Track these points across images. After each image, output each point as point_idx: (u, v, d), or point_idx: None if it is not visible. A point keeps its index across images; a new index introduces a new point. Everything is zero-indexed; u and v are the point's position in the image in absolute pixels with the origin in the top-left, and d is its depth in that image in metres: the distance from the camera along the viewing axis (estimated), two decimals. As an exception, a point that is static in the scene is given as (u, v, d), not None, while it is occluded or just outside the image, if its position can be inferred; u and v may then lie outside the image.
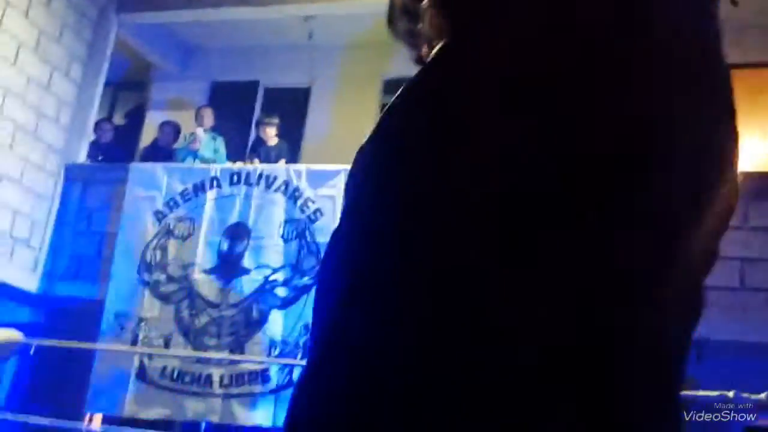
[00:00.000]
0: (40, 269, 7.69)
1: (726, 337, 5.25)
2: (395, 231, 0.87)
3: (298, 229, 7.05)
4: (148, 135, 9.00)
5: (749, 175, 6.09)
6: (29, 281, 7.53)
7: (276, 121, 8.10)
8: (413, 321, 0.83)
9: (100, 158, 8.41)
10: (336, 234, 0.93)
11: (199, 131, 8.13)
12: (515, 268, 0.83)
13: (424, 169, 0.88)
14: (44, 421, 6.31)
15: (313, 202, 7.09)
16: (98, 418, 7.34)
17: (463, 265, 0.83)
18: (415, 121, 0.91)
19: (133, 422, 6.76)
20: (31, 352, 6.79)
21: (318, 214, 7.05)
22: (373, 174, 0.95)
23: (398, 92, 0.94)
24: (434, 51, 0.95)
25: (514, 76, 0.87)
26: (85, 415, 7.26)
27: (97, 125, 8.51)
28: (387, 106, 0.94)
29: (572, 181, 0.85)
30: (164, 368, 6.94)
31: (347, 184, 0.97)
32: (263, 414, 6.60)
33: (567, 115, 0.86)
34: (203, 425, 7.06)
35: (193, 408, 6.75)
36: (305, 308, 6.73)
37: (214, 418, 6.72)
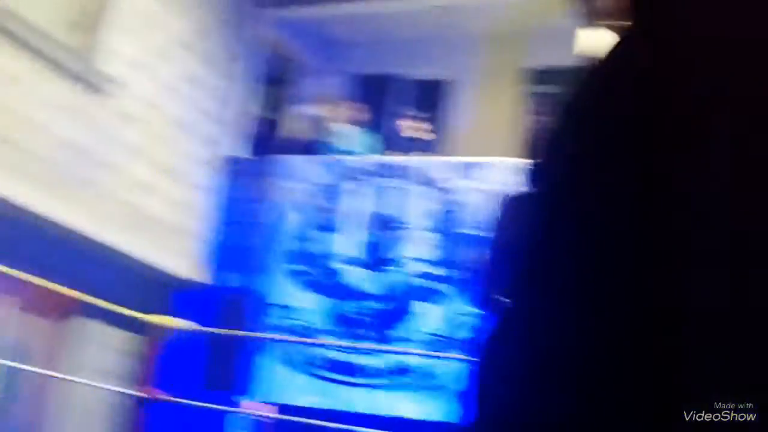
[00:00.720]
0: (205, 261, 8.02)
1: None
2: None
3: (442, 221, 7.09)
4: (294, 128, 9.24)
5: None
6: (194, 272, 7.86)
7: (418, 114, 8.16)
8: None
9: (254, 152, 8.70)
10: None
11: (342, 125, 8.30)
12: None
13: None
14: (208, 406, 6.62)
15: (458, 194, 7.11)
16: (263, 405, 7.62)
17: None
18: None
19: (289, 409, 6.98)
20: (199, 341, 7.15)
21: (462, 205, 7.06)
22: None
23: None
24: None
25: None
26: (248, 402, 7.56)
27: (250, 119, 8.80)
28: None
29: None
30: (315, 357, 7.14)
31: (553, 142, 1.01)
32: (412, 406, 6.68)
33: None
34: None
35: (343, 397, 6.91)
36: (451, 300, 6.77)
37: (363, 408, 6.85)
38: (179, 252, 7.78)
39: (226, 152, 8.38)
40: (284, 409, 7.02)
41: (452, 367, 6.59)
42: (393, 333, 6.96)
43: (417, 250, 7.10)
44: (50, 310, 7.04)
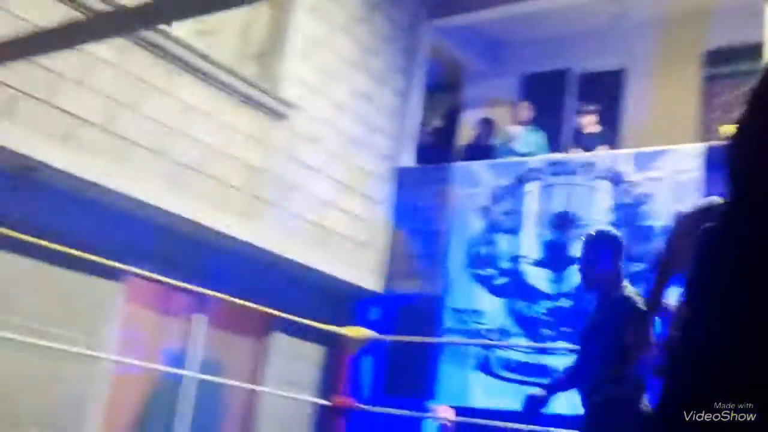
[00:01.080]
0: (383, 270, 8.18)
1: None
2: None
3: (626, 215, 6.88)
4: (465, 134, 9.26)
5: None
6: (374, 281, 8.05)
7: (594, 107, 7.98)
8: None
9: (423, 161, 8.79)
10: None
11: (516, 127, 8.24)
12: None
13: None
14: (398, 412, 6.73)
15: (640, 186, 6.88)
16: (447, 409, 7.67)
17: None
18: None
19: (480, 413, 6.98)
20: (383, 348, 7.30)
21: (646, 197, 6.83)
22: None
23: None
24: None
25: None
26: (435, 407, 7.63)
27: (419, 129, 8.90)
28: None
29: None
30: (505, 360, 7.11)
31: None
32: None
33: None
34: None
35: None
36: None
37: (560, 410, 6.73)
38: (362, 264, 7.98)
39: (401, 163, 8.51)
40: (471, 411, 7.01)
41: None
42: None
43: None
44: (247, 328, 7.38)
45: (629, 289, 4.16)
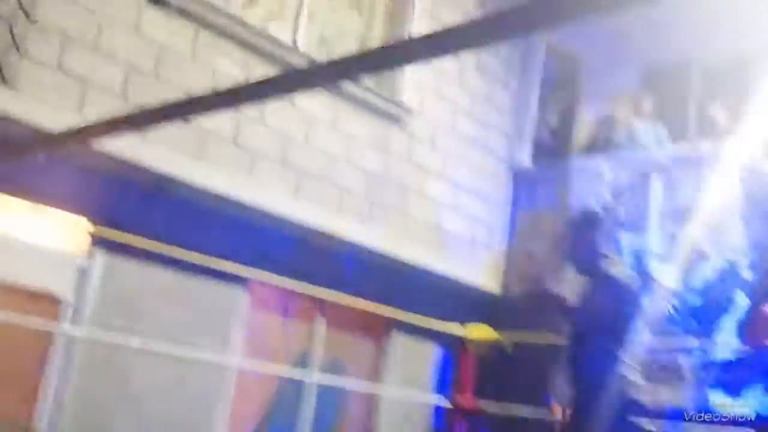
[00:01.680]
0: (501, 270, 8.12)
1: None
2: None
3: (758, 208, 6.59)
4: (583, 131, 9.06)
5: None
6: (492, 282, 7.99)
7: (722, 100, 7.69)
8: None
9: (540, 159, 8.66)
10: None
11: (637, 120, 8.02)
12: None
13: None
14: (520, 411, 6.66)
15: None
16: (559, 408, 7.54)
17: None
18: None
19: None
20: (508, 349, 7.22)
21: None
22: None
23: None
24: None
25: None
26: (555, 406, 7.51)
27: (535, 128, 8.79)
28: None
29: None
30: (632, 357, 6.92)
31: None
32: (743, 402, 6.27)
33: None
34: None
35: (667, 396, 6.62)
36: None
37: (690, 406, 6.53)
38: (480, 264, 7.94)
39: (518, 163, 8.42)
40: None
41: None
42: (713, 328, 6.57)
43: (731, 240, 6.65)
44: (367, 329, 7.43)
45: (618, 268, 3.99)
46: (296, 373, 6.85)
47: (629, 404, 4.08)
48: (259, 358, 6.58)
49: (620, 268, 4.10)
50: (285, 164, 6.49)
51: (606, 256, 4.09)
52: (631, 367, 4.02)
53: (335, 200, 6.85)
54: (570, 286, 7.46)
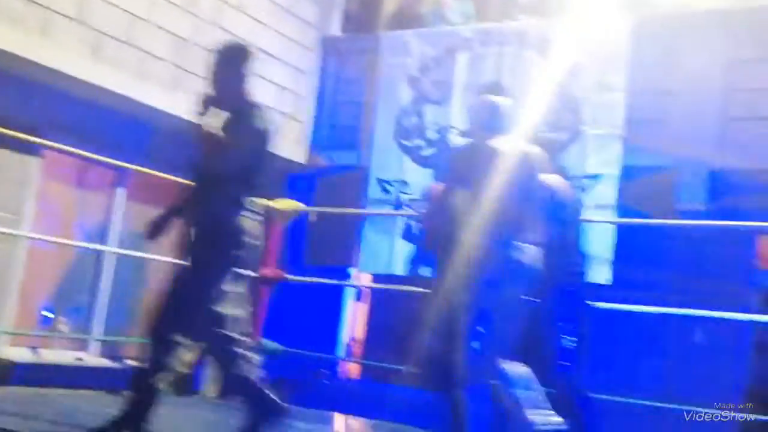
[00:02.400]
0: (307, 141, 8.10)
1: None
2: None
3: (554, 84, 6.87)
4: (392, 1, 9.00)
5: None
6: (298, 153, 7.96)
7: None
8: None
9: (350, 29, 8.57)
10: None
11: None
12: None
13: None
14: (322, 281, 6.84)
15: (570, 57, 6.85)
16: (366, 276, 7.82)
17: None
18: None
19: (400, 279, 7.14)
20: (310, 218, 7.30)
21: (575, 68, 6.82)
22: None
23: None
24: None
25: None
26: (356, 274, 7.78)
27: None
28: None
29: None
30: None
31: None
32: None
33: None
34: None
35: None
36: (564, 163, 6.65)
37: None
38: (287, 135, 7.87)
39: (327, 32, 8.30)
40: (392, 278, 7.16)
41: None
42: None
43: (530, 116, 6.92)
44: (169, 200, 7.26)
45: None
46: (94, 246, 6.66)
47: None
48: (53, 230, 6.32)
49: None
50: (82, 24, 6.06)
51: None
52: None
53: (137, 65, 6.50)
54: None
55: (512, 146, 3.92)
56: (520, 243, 3.72)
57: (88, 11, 6.12)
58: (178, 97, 6.74)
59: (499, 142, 3.90)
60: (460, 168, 4.03)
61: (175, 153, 6.75)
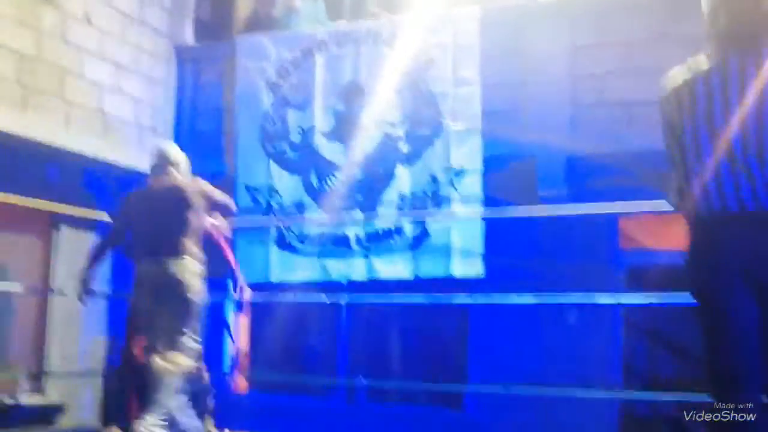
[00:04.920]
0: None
1: None
2: None
3: (411, 81, 6.97)
4: (244, 6, 8.90)
5: None
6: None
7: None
8: None
9: (203, 36, 8.43)
10: None
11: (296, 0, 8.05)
12: None
13: None
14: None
15: (424, 52, 6.96)
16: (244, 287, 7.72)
17: None
18: None
19: (278, 287, 7.09)
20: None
21: (430, 63, 6.93)
22: None
23: None
24: None
25: None
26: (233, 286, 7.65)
27: (196, 2, 8.49)
28: None
29: None
30: (301, 233, 7.18)
31: None
32: (402, 267, 6.79)
33: None
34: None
35: (335, 268, 6.99)
36: (428, 160, 6.78)
37: (357, 276, 6.95)
38: (147, 149, 7.68)
39: (180, 40, 8.15)
40: (270, 286, 7.10)
41: (440, 224, 6.69)
42: (376, 199, 6.97)
43: (388, 113, 7.01)
44: (33, 226, 7.00)
45: None
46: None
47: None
48: None
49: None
50: None
51: None
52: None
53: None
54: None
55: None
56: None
57: None
58: (28, 116, 6.50)
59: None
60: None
61: (27, 175, 6.57)
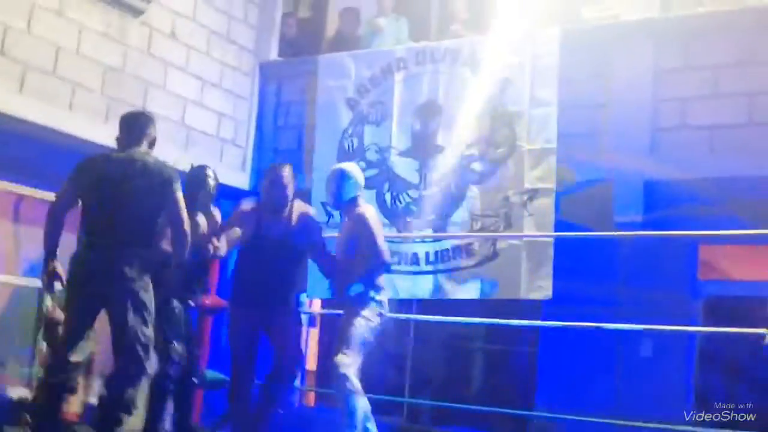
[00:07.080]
0: (249, 166, 8.08)
1: None
2: None
3: (488, 100, 6.91)
4: (330, 26, 9.03)
5: None
6: (240, 179, 7.94)
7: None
8: None
9: (288, 54, 8.58)
10: None
11: (380, 20, 8.11)
12: None
13: None
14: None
15: (502, 72, 6.89)
16: (316, 302, 7.77)
17: None
18: None
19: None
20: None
21: (507, 83, 6.86)
22: None
23: None
24: None
25: None
26: (306, 300, 7.71)
27: (283, 20, 8.66)
28: None
29: None
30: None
31: None
32: (471, 287, 6.71)
33: None
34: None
35: (404, 287, 6.95)
36: (501, 180, 6.70)
37: (425, 295, 6.90)
38: (227, 162, 7.86)
39: (265, 57, 8.31)
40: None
41: (508, 245, 6.58)
42: (447, 218, 6.92)
43: (464, 133, 6.96)
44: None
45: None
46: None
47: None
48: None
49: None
50: (4, 55, 6.01)
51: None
52: None
53: (67, 96, 6.46)
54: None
55: None
56: None
57: (11, 43, 6.07)
58: (112, 127, 6.71)
59: None
60: None
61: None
